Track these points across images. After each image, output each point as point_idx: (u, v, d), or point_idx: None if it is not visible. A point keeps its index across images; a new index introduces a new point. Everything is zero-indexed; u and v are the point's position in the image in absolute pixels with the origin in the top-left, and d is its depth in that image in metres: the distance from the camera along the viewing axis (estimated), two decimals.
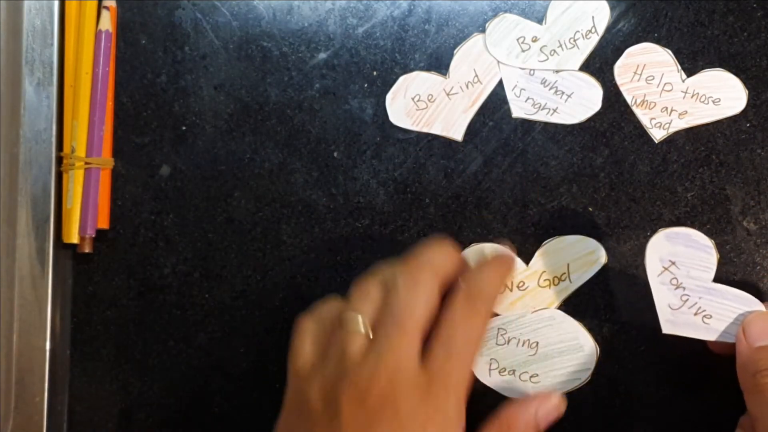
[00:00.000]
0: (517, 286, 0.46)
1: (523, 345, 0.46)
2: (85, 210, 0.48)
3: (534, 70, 0.48)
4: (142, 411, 0.49)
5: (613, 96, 0.48)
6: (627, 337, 0.46)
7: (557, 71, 0.48)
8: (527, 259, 0.47)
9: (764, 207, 0.47)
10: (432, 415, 0.39)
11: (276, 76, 0.49)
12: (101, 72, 0.48)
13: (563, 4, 0.48)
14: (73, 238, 0.48)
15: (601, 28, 0.48)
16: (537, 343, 0.46)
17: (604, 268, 0.47)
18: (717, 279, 0.43)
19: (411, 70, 0.48)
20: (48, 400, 0.47)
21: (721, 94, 0.47)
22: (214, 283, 0.49)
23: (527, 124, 0.48)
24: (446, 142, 0.48)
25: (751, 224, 0.47)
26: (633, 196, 0.47)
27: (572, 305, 0.46)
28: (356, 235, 0.48)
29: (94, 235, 0.48)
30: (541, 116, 0.48)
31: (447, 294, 0.41)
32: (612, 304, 0.46)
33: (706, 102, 0.47)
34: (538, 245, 0.47)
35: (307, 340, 0.42)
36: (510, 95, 0.48)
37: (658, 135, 0.48)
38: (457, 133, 0.48)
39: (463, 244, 0.47)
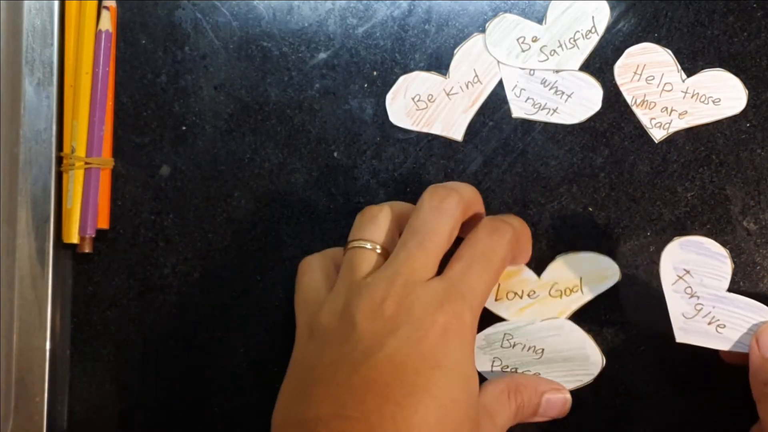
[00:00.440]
0: (528, 295, 0.46)
1: (528, 350, 0.45)
2: (85, 210, 0.48)
3: (534, 70, 0.48)
4: (142, 411, 0.49)
5: (613, 96, 0.48)
6: (632, 341, 0.46)
7: (557, 71, 0.48)
8: (538, 270, 0.47)
9: (764, 207, 0.47)
10: (450, 321, 0.38)
11: (276, 76, 0.49)
12: (101, 72, 0.48)
13: (563, 4, 0.48)
14: (73, 238, 0.48)
15: (601, 28, 0.48)
16: (543, 349, 0.45)
17: (617, 284, 0.46)
18: (731, 287, 0.43)
19: (411, 70, 0.48)
20: (48, 400, 0.47)
21: (721, 94, 0.47)
22: (214, 283, 0.49)
23: (527, 124, 0.48)
24: (446, 142, 0.48)
25: (751, 224, 0.47)
26: (633, 196, 0.47)
27: (581, 314, 0.46)
28: None
29: (94, 235, 0.48)
30: (541, 116, 0.48)
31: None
32: (622, 314, 0.46)
33: (706, 102, 0.47)
34: (539, 245, 0.47)
35: (311, 275, 0.43)
36: (510, 95, 0.48)
37: (658, 135, 0.48)
38: (457, 133, 0.48)
39: None
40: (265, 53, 0.49)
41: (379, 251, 0.41)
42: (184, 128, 0.49)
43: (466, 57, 0.48)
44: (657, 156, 0.47)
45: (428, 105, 0.48)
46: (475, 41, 0.48)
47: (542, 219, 0.48)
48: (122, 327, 0.49)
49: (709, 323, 0.41)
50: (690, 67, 0.47)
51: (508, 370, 0.46)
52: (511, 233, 0.42)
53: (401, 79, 0.48)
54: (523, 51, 0.48)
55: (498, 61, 0.48)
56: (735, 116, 0.47)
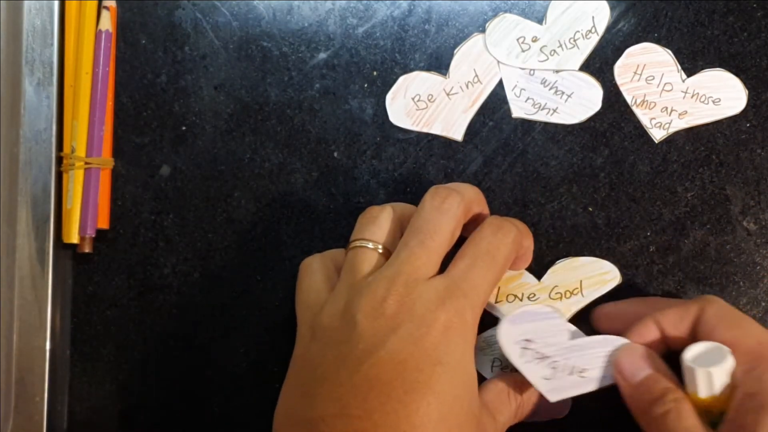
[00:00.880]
0: (528, 297, 0.45)
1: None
2: (85, 210, 0.48)
3: (534, 70, 0.48)
4: (142, 411, 0.49)
5: (613, 96, 0.48)
6: None
7: (557, 71, 0.48)
8: (538, 275, 0.47)
9: (764, 207, 0.47)
10: (452, 319, 0.38)
11: (276, 76, 0.49)
12: (101, 72, 0.48)
13: (563, 4, 0.48)
14: (73, 238, 0.48)
15: (601, 28, 0.48)
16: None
17: (618, 287, 0.46)
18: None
19: (411, 70, 0.48)
20: (48, 400, 0.47)
21: (721, 94, 0.47)
22: (214, 283, 0.49)
23: (527, 124, 0.48)
24: (446, 142, 0.48)
25: (751, 224, 0.47)
26: (633, 196, 0.47)
27: (581, 314, 0.46)
28: None
29: (94, 235, 0.48)
30: (541, 116, 0.48)
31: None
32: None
33: (706, 102, 0.47)
34: (539, 245, 0.47)
35: (312, 276, 0.43)
36: (510, 95, 0.48)
37: (658, 135, 0.48)
38: (457, 133, 0.48)
39: None
40: (265, 53, 0.49)
41: (380, 251, 0.41)
42: (184, 128, 0.49)
43: (466, 57, 0.48)
44: (657, 156, 0.47)
45: (428, 105, 0.48)
46: (475, 41, 0.48)
47: (542, 219, 0.48)
48: (122, 327, 0.49)
49: (570, 374, 0.42)
50: (690, 67, 0.47)
51: (508, 369, 0.46)
52: (515, 233, 0.42)
53: (401, 79, 0.48)
54: (523, 51, 0.48)
55: (498, 61, 0.48)
56: (735, 116, 0.47)
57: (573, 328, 0.43)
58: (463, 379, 0.39)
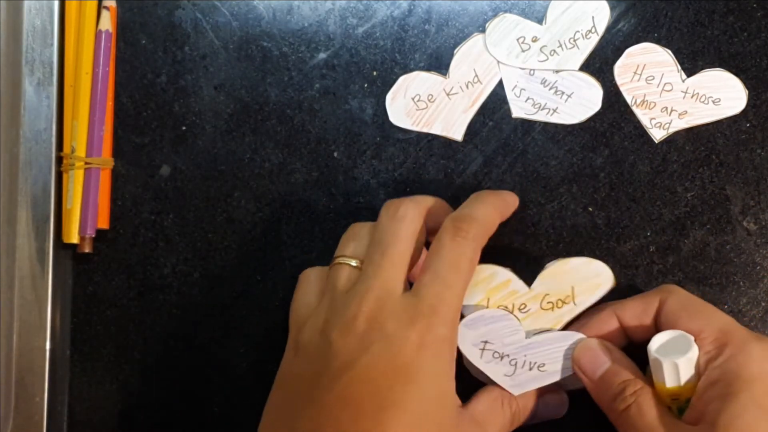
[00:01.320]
0: (519, 308, 0.44)
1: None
2: (85, 210, 0.48)
3: (534, 70, 0.48)
4: (142, 411, 0.49)
5: (613, 96, 0.48)
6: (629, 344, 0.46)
7: (557, 71, 0.48)
8: (530, 278, 0.45)
9: (764, 207, 0.47)
10: (424, 337, 0.38)
11: (276, 76, 0.49)
12: (101, 72, 0.48)
13: (563, 4, 0.48)
14: (73, 238, 0.48)
15: (601, 28, 0.48)
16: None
17: (612, 289, 0.45)
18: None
19: (411, 70, 0.48)
20: (48, 400, 0.47)
21: (721, 94, 0.47)
22: (214, 283, 0.49)
23: (527, 124, 0.48)
24: (446, 142, 0.48)
25: (751, 224, 0.47)
26: (633, 196, 0.47)
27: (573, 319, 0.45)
28: None
29: (94, 235, 0.48)
30: (541, 116, 0.48)
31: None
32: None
33: (706, 102, 0.47)
34: (538, 245, 0.47)
35: (306, 288, 0.43)
36: (510, 95, 0.48)
37: (658, 135, 0.48)
38: (457, 133, 0.48)
39: None
40: (265, 53, 0.49)
41: (358, 264, 0.42)
42: (184, 128, 0.49)
43: (466, 57, 0.48)
44: (657, 156, 0.47)
45: (428, 105, 0.48)
46: (475, 41, 0.48)
47: (542, 219, 0.48)
48: (122, 327, 0.49)
49: (530, 369, 0.43)
50: (690, 67, 0.47)
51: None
52: (475, 229, 0.41)
53: (401, 79, 0.48)
54: (523, 51, 0.48)
55: (498, 61, 0.48)
56: (735, 116, 0.47)
57: (526, 328, 0.44)
58: (436, 396, 0.39)
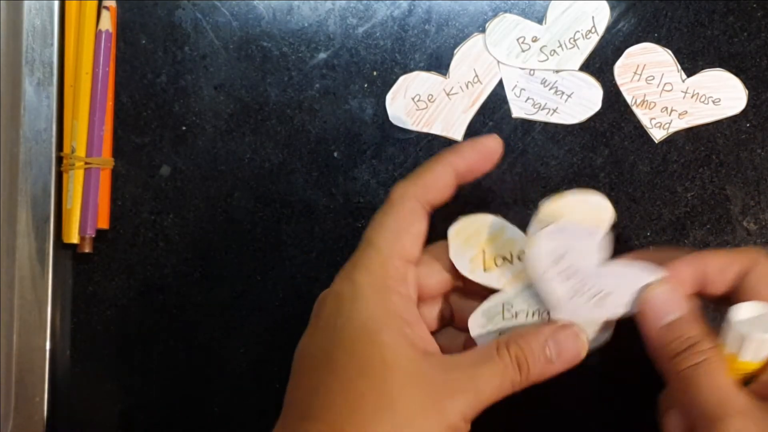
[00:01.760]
0: (518, 257, 0.40)
1: (533, 315, 0.40)
2: (85, 210, 0.48)
3: (534, 70, 0.48)
4: (142, 411, 0.49)
5: (613, 96, 0.48)
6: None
7: (557, 71, 0.48)
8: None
9: (764, 207, 0.47)
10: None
11: (276, 76, 0.49)
12: (101, 72, 0.48)
13: (563, 4, 0.48)
14: (73, 238, 0.48)
15: (601, 28, 0.48)
16: (548, 312, 0.40)
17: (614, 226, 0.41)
18: None
19: (411, 70, 0.48)
20: (48, 400, 0.47)
21: (721, 94, 0.47)
22: (214, 283, 0.49)
23: (527, 124, 0.48)
24: (446, 142, 0.48)
25: (751, 224, 0.47)
26: (633, 196, 0.47)
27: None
28: (356, 235, 0.48)
29: (94, 235, 0.48)
30: (541, 116, 0.48)
31: None
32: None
33: (706, 102, 0.47)
34: None
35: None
36: (510, 95, 0.48)
37: (658, 135, 0.48)
38: (457, 133, 0.48)
39: None
40: (265, 53, 0.49)
41: None
42: (184, 128, 0.49)
43: (466, 57, 0.48)
44: (657, 156, 0.47)
45: (428, 105, 0.48)
46: (475, 41, 0.48)
47: None
48: (122, 327, 0.49)
49: (592, 298, 0.38)
50: (690, 67, 0.48)
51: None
52: (402, 188, 0.40)
53: (401, 79, 0.48)
54: (523, 51, 0.48)
55: (498, 61, 0.48)
56: (735, 116, 0.47)
57: (606, 254, 0.39)
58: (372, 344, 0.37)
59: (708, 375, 0.36)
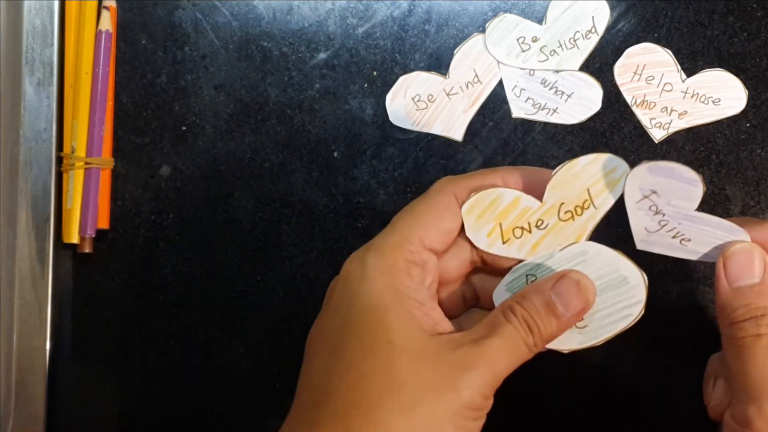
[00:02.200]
0: (536, 226, 0.39)
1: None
2: (85, 210, 0.48)
3: (534, 70, 0.48)
4: (142, 411, 0.49)
5: (613, 96, 0.48)
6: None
7: (557, 71, 0.48)
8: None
9: (764, 207, 0.47)
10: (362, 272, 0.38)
11: (276, 76, 0.49)
12: (101, 72, 0.48)
13: (563, 4, 0.48)
14: (73, 238, 0.48)
15: (601, 28, 0.48)
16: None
17: None
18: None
19: (411, 70, 0.48)
20: (48, 400, 0.47)
21: (721, 94, 0.47)
22: (214, 283, 0.49)
23: (527, 124, 0.48)
24: (446, 142, 0.48)
25: None
26: None
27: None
28: (356, 235, 0.48)
29: (94, 235, 0.48)
30: (541, 116, 0.48)
31: None
32: None
33: (706, 102, 0.47)
34: None
35: None
36: (510, 95, 0.48)
37: (658, 135, 0.48)
38: (457, 133, 0.48)
39: None
40: (265, 53, 0.49)
41: None
42: (184, 128, 0.49)
43: (466, 57, 0.48)
44: (657, 156, 0.47)
45: (428, 105, 0.48)
46: (475, 41, 0.48)
47: None
48: (122, 327, 0.49)
49: (674, 237, 0.38)
50: (690, 67, 0.47)
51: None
52: (457, 180, 0.40)
53: (401, 79, 0.48)
54: (523, 51, 0.48)
55: (498, 61, 0.48)
56: (735, 116, 0.47)
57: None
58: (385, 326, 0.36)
59: (764, 350, 0.35)
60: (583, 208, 0.39)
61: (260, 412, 0.48)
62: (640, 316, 0.38)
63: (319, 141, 0.49)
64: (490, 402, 0.35)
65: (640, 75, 0.48)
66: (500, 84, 0.48)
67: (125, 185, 0.49)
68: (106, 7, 0.49)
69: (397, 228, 0.38)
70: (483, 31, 0.48)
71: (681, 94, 0.47)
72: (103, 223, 0.48)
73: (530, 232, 0.39)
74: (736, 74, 0.47)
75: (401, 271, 0.37)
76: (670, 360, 0.46)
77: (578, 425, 0.47)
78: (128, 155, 0.49)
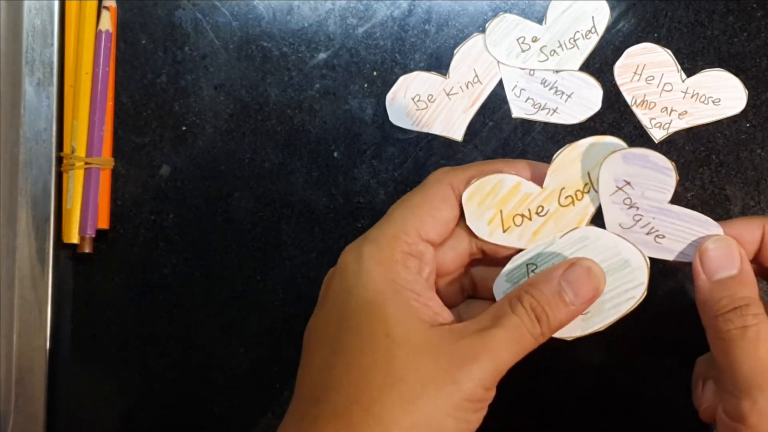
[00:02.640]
0: (536, 213, 0.39)
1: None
2: (85, 210, 0.48)
3: (534, 70, 0.48)
4: (142, 411, 0.49)
5: (613, 96, 0.48)
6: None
7: (557, 71, 0.48)
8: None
9: (764, 207, 0.47)
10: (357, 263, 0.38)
11: (276, 76, 0.49)
12: (101, 72, 0.48)
13: (563, 4, 0.48)
14: (73, 238, 0.48)
15: (601, 28, 0.48)
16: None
17: None
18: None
19: (411, 70, 0.48)
20: (48, 400, 0.47)
21: (721, 94, 0.47)
22: (214, 283, 0.49)
23: (527, 124, 0.48)
24: (446, 142, 0.48)
25: None
26: None
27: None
28: (356, 235, 0.48)
29: (94, 235, 0.48)
30: (541, 116, 0.48)
31: None
32: None
33: (706, 102, 0.47)
34: None
35: None
36: (510, 95, 0.48)
37: (658, 135, 0.48)
38: (457, 133, 0.48)
39: None
40: (265, 53, 0.49)
41: None
42: (184, 128, 0.49)
43: (466, 57, 0.48)
44: None
45: (428, 105, 0.48)
46: (475, 41, 0.48)
47: None
48: (122, 327, 0.49)
49: (648, 233, 0.38)
50: (690, 67, 0.47)
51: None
52: (455, 170, 0.39)
53: (401, 79, 0.48)
54: (523, 51, 0.48)
55: (498, 61, 0.48)
56: (735, 116, 0.47)
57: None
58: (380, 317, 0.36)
59: (752, 341, 0.34)
60: (583, 192, 0.39)
61: (260, 412, 0.48)
62: (642, 298, 0.38)
63: (319, 141, 0.49)
64: (492, 393, 0.35)
65: (640, 75, 0.48)
66: (500, 84, 0.48)
67: (125, 185, 0.49)
68: (106, 7, 0.49)
69: (393, 219, 0.38)
70: (483, 31, 0.48)
71: (681, 94, 0.47)
72: (103, 223, 0.48)
73: (530, 219, 0.39)
74: (736, 74, 0.47)
75: (398, 263, 0.37)
76: (670, 360, 0.46)
77: (578, 425, 0.47)
78: (128, 155, 0.49)
